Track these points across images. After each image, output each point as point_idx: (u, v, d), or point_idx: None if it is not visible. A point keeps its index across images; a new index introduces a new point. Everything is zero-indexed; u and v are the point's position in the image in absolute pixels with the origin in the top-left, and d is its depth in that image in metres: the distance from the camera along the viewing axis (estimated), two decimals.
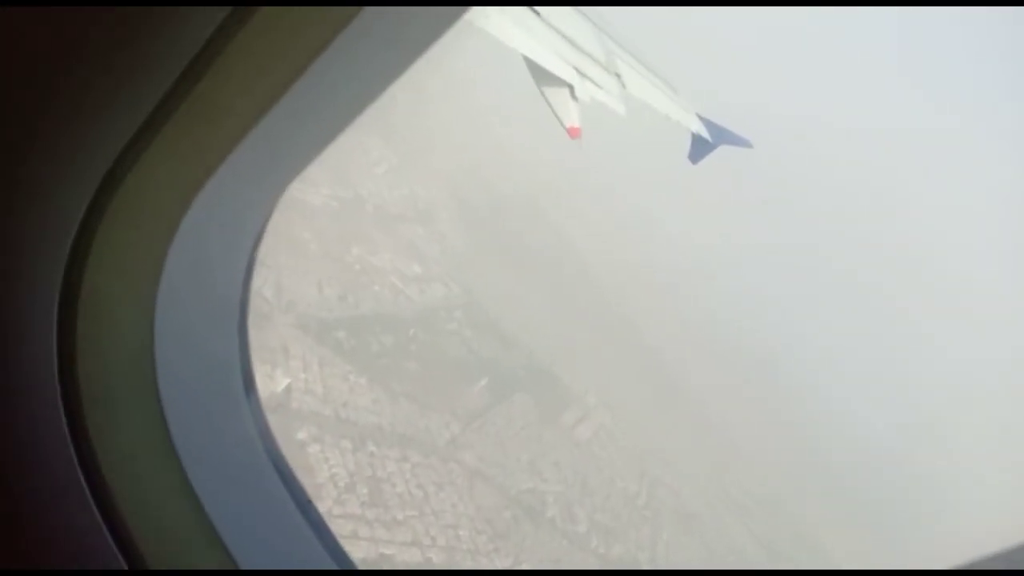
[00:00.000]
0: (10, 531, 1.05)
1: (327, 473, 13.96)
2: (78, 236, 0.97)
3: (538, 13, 8.31)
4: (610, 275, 38.53)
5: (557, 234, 38.16)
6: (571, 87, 8.39)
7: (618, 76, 9.34)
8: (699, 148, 10.72)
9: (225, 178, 0.95)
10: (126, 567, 1.04)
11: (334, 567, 1.21)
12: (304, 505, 1.21)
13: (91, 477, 1.04)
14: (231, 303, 1.22)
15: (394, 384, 17.97)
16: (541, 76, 8.30)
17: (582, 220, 40.16)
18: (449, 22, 0.89)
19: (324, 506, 13.42)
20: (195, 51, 0.83)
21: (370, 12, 0.79)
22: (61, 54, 0.83)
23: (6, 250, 0.96)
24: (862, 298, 56.93)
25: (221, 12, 0.80)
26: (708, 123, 10.88)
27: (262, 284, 17.17)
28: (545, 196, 38.74)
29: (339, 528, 12.99)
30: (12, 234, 0.95)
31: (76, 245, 0.97)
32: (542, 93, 8.42)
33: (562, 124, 8.39)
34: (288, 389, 14.64)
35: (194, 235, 1.01)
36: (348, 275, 21.15)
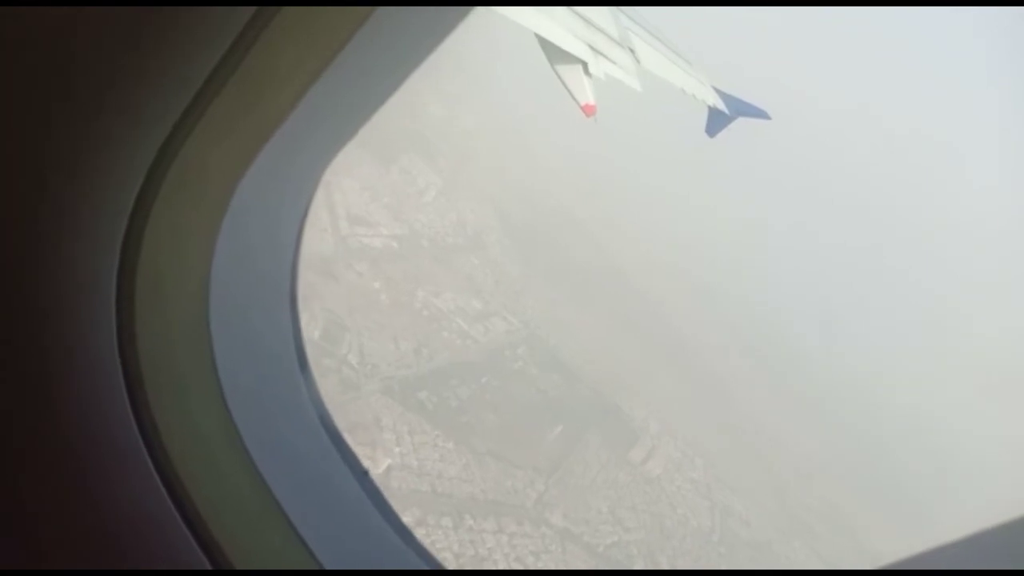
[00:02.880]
0: (74, 505, 1.05)
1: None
2: (134, 211, 0.99)
3: None
4: (646, 277, 38.29)
5: (591, 238, 37.91)
6: (584, 64, 8.26)
7: (632, 51, 9.15)
8: (716, 121, 10.61)
9: (270, 156, 1.00)
10: (181, 521, 1.06)
11: (378, 532, 1.24)
12: (360, 476, 1.25)
13: (154, 452, 1.06)
14: (283, 275, 1.24)
15: (477, 442, 17.96)
16: (554, 54, 8.18)
17: (611, 215, 39.74)
18: (455, 21, 0.97)
19: None
20: (227, 45, 0.89)
21: (382, 12, 0.87)
22: (109, 41, 0.88)
23: (64, 225, 0.97)
24: (899, 282, 56.08)
25: (247, 12, 0.87)
26: (725, 95, 10.75)
27: (347, 351, 17.19)
28: (573, 193, 38.42)
29: None
30: (69, 210, 0.97)
31: (133, 220, 0.99)
32: (555, 71, 8.28)
33: (576, 102, 8.27)
34: (388, 469, 14.68)
35: (245, 209, 1.04)
36: (418, 323, 21.10)
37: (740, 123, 10.81)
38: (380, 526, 1.25)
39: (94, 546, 1.05)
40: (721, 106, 10.52)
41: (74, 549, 1.05)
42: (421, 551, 1.30)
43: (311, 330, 16.86)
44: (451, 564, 14.11)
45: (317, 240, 21.03)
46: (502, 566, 15.01)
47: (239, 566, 1.08)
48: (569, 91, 8.24)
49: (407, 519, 15.13)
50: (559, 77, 8.24)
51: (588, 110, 8.24)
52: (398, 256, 23.67)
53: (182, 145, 0.96)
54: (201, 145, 0.97)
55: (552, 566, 16.20)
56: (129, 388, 1.05)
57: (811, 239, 53.48)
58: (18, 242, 0.97)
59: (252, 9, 0.87)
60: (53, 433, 1.04)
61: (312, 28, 0.91)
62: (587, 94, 8.23)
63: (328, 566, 1.13)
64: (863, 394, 42.29)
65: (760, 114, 11.39)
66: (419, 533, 14.25)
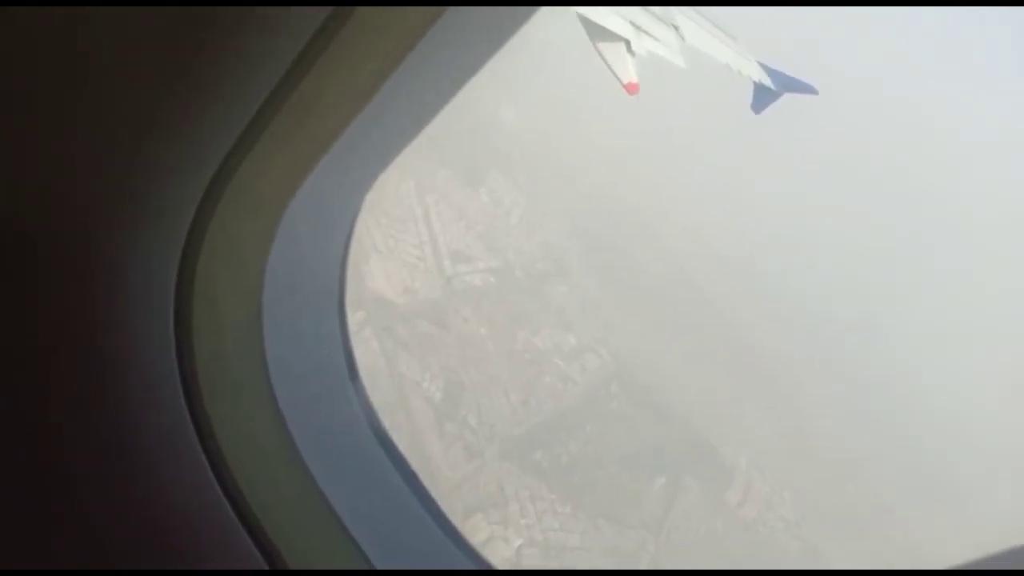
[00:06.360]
0: (134, 506, 1.08)
1: None
2: (193, 225, 1.01)
3: None
4: (711, 279, 37.70)
5: (655, 238, 37.34)
6: (627, 42, 8.16)
7: (676, 28, 9.02)
8: (762, 97, 10.49)
9: (326, 169, 1.01)
10: (238, 522, 1.09)
11: (427, 533, 1.29)
12: (409, 477, 1.30)
13: (210, 455, 1.09)
14: (332, 284, 1.27)
15: (590, 504, 18.12)
16: (596, 32, 8.09)
17: (670, 206, 38.78)
18: (522, 20, 0.97)
19: None
20: (299, 49, 0.89)
21: (453, 11, 0.88)
22: (173, 51, 0.88)
23: (125, 240, 1.00)
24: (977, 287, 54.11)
25: (323, 12, 0.87)
26: (771, 71, 10.54)
27: (466, 412, 17.37)
28: (634, 188, 37.70)
29: None
30: (130, 225, 0.99)
31: (191, 234, 1.02)
32: (597, 49, 8.23)
33: (619, 80, 8.20)
34: (519, 549, 14.92)
35: (298, 224, 1.07)
36: (522, 370, 21.21)
37: (787, 99, 10.61)
38: (429, 527, 1.29)
39: (154, 547, 1.08)
40: (767, 82, 10.32)
41: (134, 550, 1.08)
42: (469, 551, 1.34)
43: (433, 391, 17.07)
44: None
45: (427, 285, 21.19)
46: None
47: (294, 566, 1.11)
48: (611, 70, 8.13)
49: None
50: (601, 56, 8.15)
51: (631, 88, 8.17)
52: (496, 293, 23.72)
53: (246, 155, 0.98)
54: (264, 155, 0.98)
55: None
56: (187, 393, 1.08)
57: (884, 229, 51.59)
58: (80, 249, 1.00)
59: (328, 9, 0.87)
60: (113, 438, 1.07)
61: (382, 31, 0.90)
62: (630, 72, 8.18)
63: (380, 566, 1.17)
64: (941, 407, 41.30)
65: (807, 89, 11.12)
66: None
